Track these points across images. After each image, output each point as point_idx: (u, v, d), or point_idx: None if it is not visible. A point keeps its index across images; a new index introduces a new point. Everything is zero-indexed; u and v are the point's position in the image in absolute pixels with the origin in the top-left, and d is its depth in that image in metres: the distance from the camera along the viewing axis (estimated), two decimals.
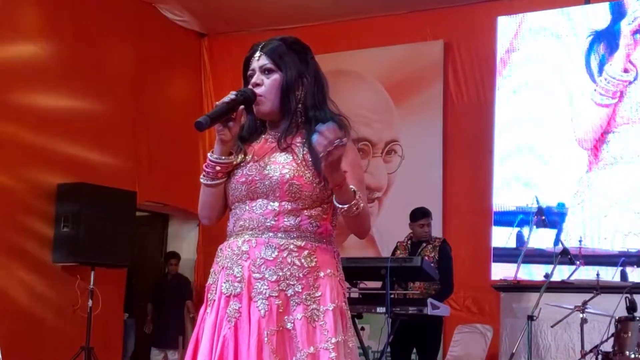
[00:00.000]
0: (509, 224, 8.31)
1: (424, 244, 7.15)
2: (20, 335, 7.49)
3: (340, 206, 2.62)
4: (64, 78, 8.20)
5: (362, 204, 2.64)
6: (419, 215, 7.25)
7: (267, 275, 2.63)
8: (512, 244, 8.27)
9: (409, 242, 7.26)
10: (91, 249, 7.70)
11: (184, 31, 9.96)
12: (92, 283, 7.62)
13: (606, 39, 8.16)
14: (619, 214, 7.82)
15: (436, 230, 8.16)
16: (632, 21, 8.04)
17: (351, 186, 2.62)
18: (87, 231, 7.70)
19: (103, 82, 8.61)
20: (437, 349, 7.14)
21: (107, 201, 7.89)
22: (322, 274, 2.67)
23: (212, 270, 2.79)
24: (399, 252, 7.26)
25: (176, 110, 9.58)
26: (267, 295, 2.61)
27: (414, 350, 7.14)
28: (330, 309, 2.63)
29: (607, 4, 8.22)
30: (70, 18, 8.34)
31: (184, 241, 10.13)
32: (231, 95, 2.70)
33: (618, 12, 8.16)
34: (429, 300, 6.37)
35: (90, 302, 7.58)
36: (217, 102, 2.70)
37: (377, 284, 6.69)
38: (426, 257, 6.87)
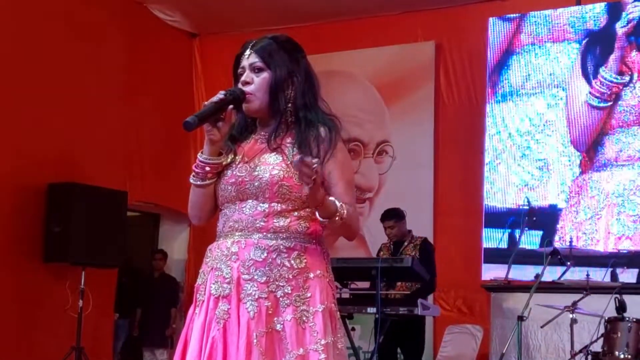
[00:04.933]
0: (501, 225, 8.32)
1: (405, 244, 7.21)
2: (10, 335, 7.47)
3: (322, 220, 2.63)
4: (56, 77, 8.18)
5: (345, 214, 2.63)
6: (382, 217, 7.33)
7: (256, 277, 2.62)
8: (504, 245, 8.28)
9: (391, 243, 7.32)
10: (82, 249, 7.67)
11: (175, 31, 9.95)
12: (82, 283, 7.60)
13: (602, 41, 8.18)
14: (612, 217, 7.84)
15: (427, 230, 8.20)
16: (626, 24, 8.05)
17: (331, 198, 2.62)
18: (78, 231, 7.67)
19: (94, 82, 8.58)
20: (422, 347, 7.15)
21: (98, 201, 7.86)
22: (311, 275, 2.67)
23: (201, 270, 2.78)
24: (382, 253, 7.32)
25: (167, 110, 9.56)
26: (256, 297, 2.61)
27: (399, 349, 7.17)
28: (320, 310, 2.63)
29: (602, 4, 8.23)
30: (61, 17, 8.32)
31: (175, 241, 10.13)
32: (220, 95, 2.69)
33: (613, 13, 8.17)
34: (420, 300, 6.38)
35: (80, 302, 7.55)
36: (205, 102, 2.69)
37: (365, 284, 6.73)
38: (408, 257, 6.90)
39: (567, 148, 8.18)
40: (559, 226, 8.06)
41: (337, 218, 2.61)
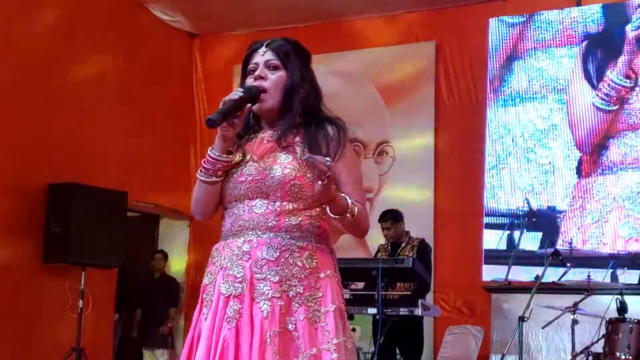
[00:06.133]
0: (501, 226, 8.31)
1: (403, 245, 7.21)
2: (10, 335, 7.46)
3: (334, 216, 2.65)
4: (55, 77, 8.17)
5: (356, 210, 2.66)
6: (380, 218, 7.33)
7: (269, 276, 2.62)
8: (503, 246, 8.28)
9: (388, 244, 7.31)
10: (82, 249, 7.67)
11: (175, 31, 9.94)
12: (82, 284, 7.60)
13: (608, 43, 8.17)
14: (617, 219, 7.83)
15: (427, 231, 8.19)
16: (637, 27, 8.01)
17: (343, 194, 2.65)
18: (78, 231, 7.67)
19: (94, 82, 8.58)
20: (420, 348, 7.14)
21: (97, 201, 7.87)
22: (322, 275, 2.68)
23: (207, 270, 2.77)
24: (380, 254, 7.32)
25: (167, 110, 9.56)
26: (269, 296, 2.60)
27: (397, 350, 7.17)
28: (331, 309, 2.65)
29: (599, 6, 8.22)
30: (60, 17, 8.31)
31: (174, 241, 10.11)
32: (238, 92, 2.69)
33: (613, 15, 8.16)
34: (420, 301, 6.37)
35: (80, 303, 7.55)
36: (224, 99, 2.68)
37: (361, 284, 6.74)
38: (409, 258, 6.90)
39: (572, 151, 8.17)
40: (563, 229, 8.04)
41: (348, 215, 2.64)
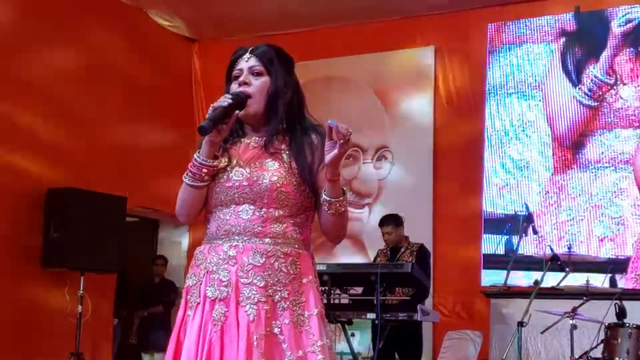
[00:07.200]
0: (499, 231, 8.32)
1: (402, 250, 7.22)
2: (9, 340, 7.46)
3: (329, 199, 2.67)
4: (55, 81, 8.18)
5: (347, 202, 2.71)
6: (380, 222, 7.35)
7: (255, 281, 2.66)
8: (501, 251, 8.29)
9: (387, 249, 7.32)
10: (81, 254, 7.67)
11: (174, 36, 9.95)
12: (81, 288, 7.59)
13: (585, 40, 8.22)
14: (594, 218, 7.87)
15: (426, 236, 8.19)
16: (622, 24, 8.04)
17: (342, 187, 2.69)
18: (77, 236, 7.67)
19: (93, 87, 8.59)
20: (419, 352, 7.15)
21: (97, 206, 7.86)
22: (304, 281, 2.73)
23: (191, 272, 2.79)
24: (379, 259, 7.34)
25: (166, 115, 9.56)
26: (255, 301, 2.64)
27: (396, 355, 7.17)
28: (314, 313, 2.70)
29: (592, 10, 8.27)
30: (60, 22, 8.32)
31: (173, 247, 10.13)
32: (228, 99, 2.72)
33: (603, 17, 8.20)
34: (419, 306, 6.39)
35: (79, 308, 7.55)
36: (213, 105, 2.71)
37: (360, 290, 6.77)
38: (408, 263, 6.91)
39: (550, 148, 8.21)
40: (536, 226, 8.08)
41: (344, 202, 2.68)
